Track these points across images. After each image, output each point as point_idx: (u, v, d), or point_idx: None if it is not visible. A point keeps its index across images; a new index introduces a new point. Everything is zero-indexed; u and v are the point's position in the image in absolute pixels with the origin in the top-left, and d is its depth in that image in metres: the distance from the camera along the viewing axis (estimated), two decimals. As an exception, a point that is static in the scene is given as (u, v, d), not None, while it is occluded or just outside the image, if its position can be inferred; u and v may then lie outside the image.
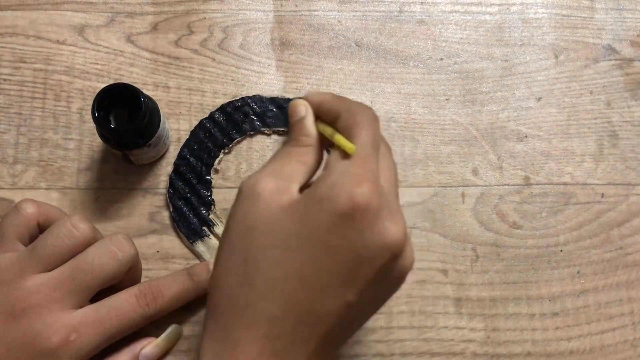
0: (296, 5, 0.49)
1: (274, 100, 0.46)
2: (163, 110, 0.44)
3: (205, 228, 0.43)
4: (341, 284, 0.29)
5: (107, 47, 0.47)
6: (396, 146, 0.46)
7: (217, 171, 0.45)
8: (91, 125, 0.45)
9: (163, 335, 0.40)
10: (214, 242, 0.43)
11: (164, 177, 0.45)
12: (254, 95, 0.46)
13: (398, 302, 0.43)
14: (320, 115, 0.34)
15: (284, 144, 0.34)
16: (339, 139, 0.31)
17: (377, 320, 0.43)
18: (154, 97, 0.42)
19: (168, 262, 0.43)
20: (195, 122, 0.46)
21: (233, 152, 0.46)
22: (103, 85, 0.40)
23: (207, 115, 0.46)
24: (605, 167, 0.47)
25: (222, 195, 0.45)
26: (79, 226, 0.38)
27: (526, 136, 0.47)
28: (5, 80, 0.46)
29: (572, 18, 0.50)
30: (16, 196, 0.43)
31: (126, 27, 0.48)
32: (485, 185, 0.46)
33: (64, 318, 0.36)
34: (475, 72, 0.48)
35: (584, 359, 0.43)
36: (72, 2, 0.48)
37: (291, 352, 0.30)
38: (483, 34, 0.49)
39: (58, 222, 0.38)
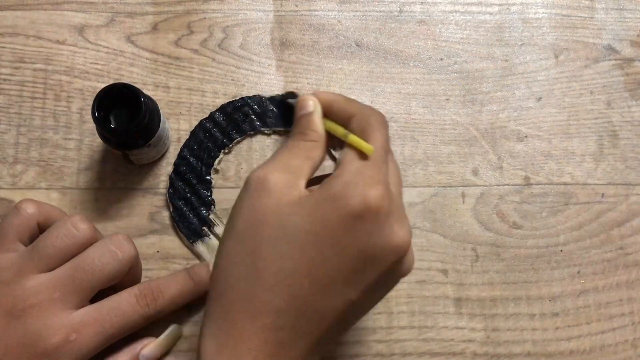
0: (296, 5, 0.49)
1: (273, 99, 0.46)
2: (163, 110, 0.44)
3: (205, 228, 0.43)
4: (346, 282, 0.30)
5: (107, 47, 0.47)
6: (396, 146, 0.46)
7: (217, 171, 0.45)
8: (91, 125, 0.45)
9: (163, 335, 0.40)
10: (214, 242, 0.43)
11: (164, 177, 0.45)
12: (254, 96, 0.46)
13: (398, 302, 0.43)
14: (331, 116, 0.34)
15: (290, 136, 0.34)
16: (355, 139, 0.32)
17: (377, 320, 0.43)
18: (154, 97, 0.42)
19: (168, 262, 0.43)
20: (195, 122, 0.46)
21: (233, 152, 0.46)
22: (103, 85, 0.40)
23: (207, 115, 0.46)
24: (605, 167, 0.47)
25: (222, 195, 0.45)
26: (79, 226, 0.38)
27: (526, 136, 0.47)
28: (5, 80, 0.46)
29: (572, 18, 0.50)
30: (16, 196, 0.43)
31: (126, 27, 0.48)
32: (485, 185, 0.46)
33: (64, 318, 0.36)
34: (475, 72, 0.48)
35: (584, 359, 0.43)
36: (72, 2, 0.48)
37: (293, 343, 0.30)
38: (483, 34, 0.49)
39: (58, 222, 0.38)
